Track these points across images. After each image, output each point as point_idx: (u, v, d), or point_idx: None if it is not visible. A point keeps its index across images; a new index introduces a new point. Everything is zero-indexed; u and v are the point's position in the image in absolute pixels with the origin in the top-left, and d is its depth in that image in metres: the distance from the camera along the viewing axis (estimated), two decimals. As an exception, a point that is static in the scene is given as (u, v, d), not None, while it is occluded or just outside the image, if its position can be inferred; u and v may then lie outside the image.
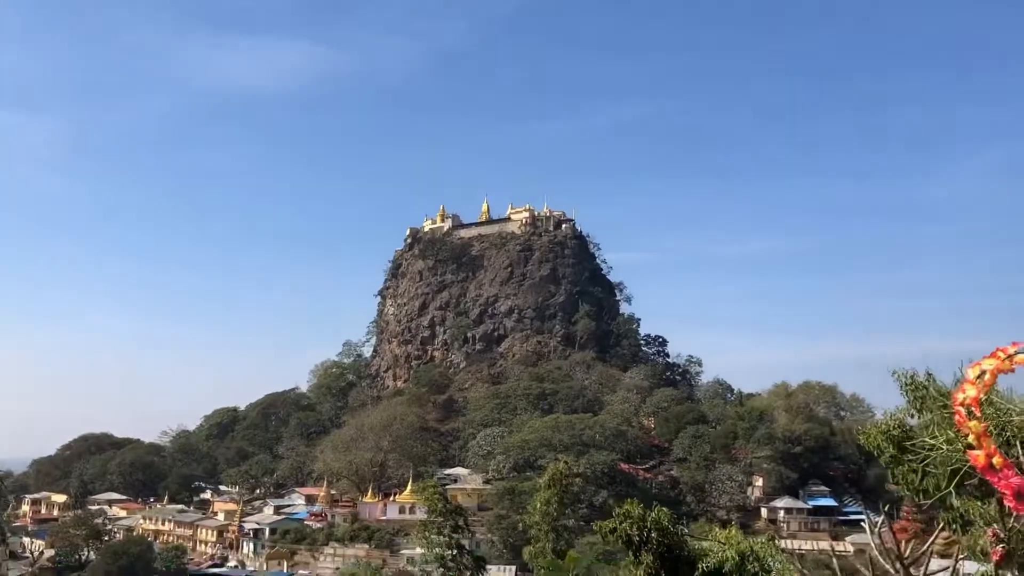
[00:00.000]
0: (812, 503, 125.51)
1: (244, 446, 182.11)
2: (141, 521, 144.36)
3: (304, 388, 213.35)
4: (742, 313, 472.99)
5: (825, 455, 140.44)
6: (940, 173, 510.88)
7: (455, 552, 69.00)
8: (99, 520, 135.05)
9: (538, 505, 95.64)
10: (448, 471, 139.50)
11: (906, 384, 7.68)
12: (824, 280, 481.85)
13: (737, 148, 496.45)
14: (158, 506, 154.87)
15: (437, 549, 69.07)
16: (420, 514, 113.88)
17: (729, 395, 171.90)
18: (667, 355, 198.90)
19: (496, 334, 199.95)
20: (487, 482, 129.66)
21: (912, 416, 7.78)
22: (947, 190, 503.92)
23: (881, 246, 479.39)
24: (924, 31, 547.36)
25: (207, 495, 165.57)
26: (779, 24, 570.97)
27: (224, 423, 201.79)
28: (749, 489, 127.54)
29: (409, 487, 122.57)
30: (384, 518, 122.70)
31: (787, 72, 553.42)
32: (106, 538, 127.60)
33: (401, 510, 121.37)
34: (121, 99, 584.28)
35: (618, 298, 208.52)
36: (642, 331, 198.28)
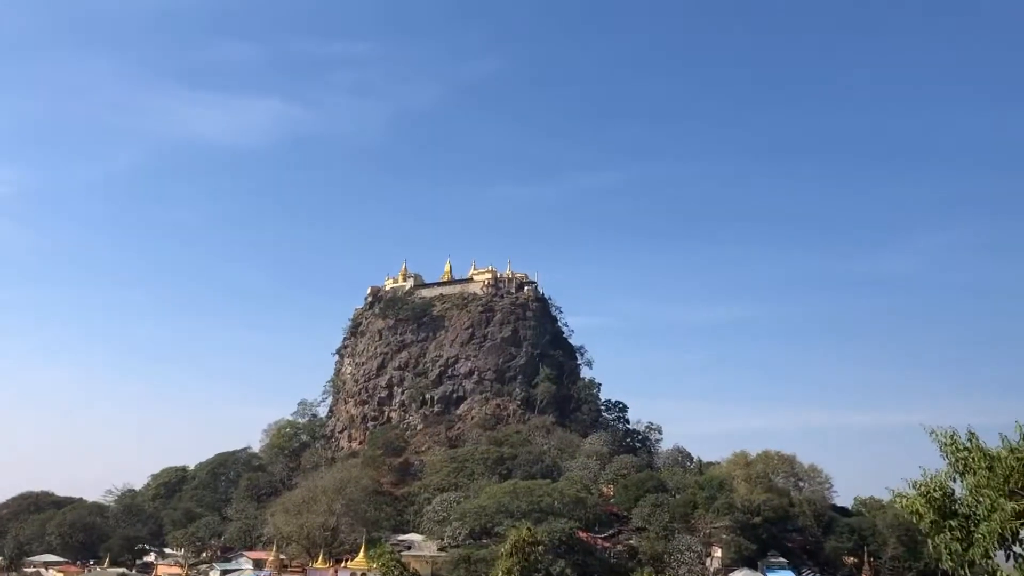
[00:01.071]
0: (770, 575, 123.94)
1: (192, 507, 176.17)
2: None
3: (256, 448, 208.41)
4: (702, 380, 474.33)
5: (784, 526, 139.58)
6: (900, 246, 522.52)
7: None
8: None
9: (499, 574, 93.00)
10: (402, 537, 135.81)
11: (947, 445, 6.96)
12: (783, 348, 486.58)
13: (700, 216, 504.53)
14: (98, 569, 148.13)
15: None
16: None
17: (689, 463, 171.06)
18: (627, 421, 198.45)
19: (455, 396, 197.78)
20: (442, 549, 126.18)
21: (954, 480, 7.07)
22: (907, 264, 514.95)
23: (839, 316, 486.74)
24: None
25: (151, 558, 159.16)
26: (740, 97, 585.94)
27: (172, 482, 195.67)
28: (708, 560, 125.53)
29: (362, 553, 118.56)
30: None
31: (748, 145, 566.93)
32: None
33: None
34: (89, 151, 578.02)
35: (579, 362, 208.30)
36: (602, 396, 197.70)
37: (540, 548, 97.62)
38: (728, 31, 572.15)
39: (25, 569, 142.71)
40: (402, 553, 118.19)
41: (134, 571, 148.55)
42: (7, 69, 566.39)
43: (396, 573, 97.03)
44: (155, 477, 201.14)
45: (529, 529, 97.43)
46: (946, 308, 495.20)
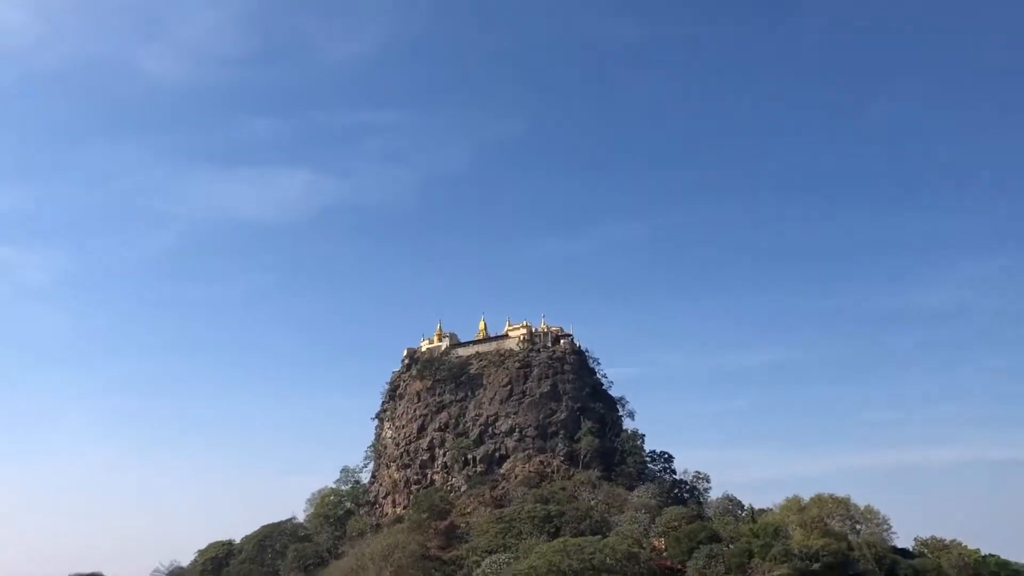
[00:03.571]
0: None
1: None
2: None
3: (301, 517, 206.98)
4: (744, 426, 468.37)
5: (844, 571, 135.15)
6: (935, 279, 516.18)
7: None
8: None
9: None
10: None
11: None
12: (824, 389, 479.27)
13: (735, 261, 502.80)
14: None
15: None
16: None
17: (740, 511, 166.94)
18: (674, 471, 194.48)
19: (497, 454, 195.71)
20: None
21: None
22: (943, 296, 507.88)
23: (878, 354, 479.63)
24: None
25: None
26: (769, 135, 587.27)
27: (219, 557, 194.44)
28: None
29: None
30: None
31: (782, 185, 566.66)
32: None
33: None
34: (123, 235, 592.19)
35: (621, 414, 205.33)
36: (647, 447, 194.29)
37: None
38: (744, 69, 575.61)
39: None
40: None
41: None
42: (42, 156, 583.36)
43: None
44: (202, 552, 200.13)
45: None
46: (989, 338, 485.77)
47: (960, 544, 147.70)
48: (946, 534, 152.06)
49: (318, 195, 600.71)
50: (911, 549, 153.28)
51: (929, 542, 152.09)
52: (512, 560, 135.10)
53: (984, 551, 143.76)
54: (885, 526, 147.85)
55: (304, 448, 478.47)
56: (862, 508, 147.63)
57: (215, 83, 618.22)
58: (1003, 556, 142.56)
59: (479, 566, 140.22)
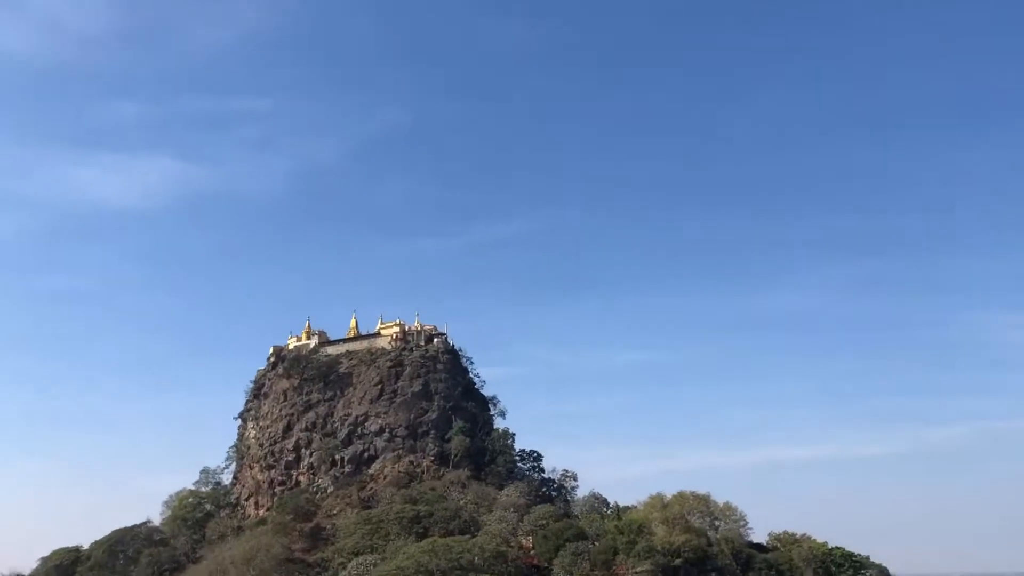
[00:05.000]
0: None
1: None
2: None
3: (157, 521, 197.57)
4: (612, 425, 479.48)
5: (703, 566, 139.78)
6: (789, 284, 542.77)
7: None
8: None
9: None
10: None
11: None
12: (691, 390, 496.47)
13: (605, 264, 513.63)
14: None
15: None
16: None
17: (605, 508, 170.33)
18: (542, 470, 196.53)
19: (366, 455, 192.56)
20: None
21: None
22: (796, 301, 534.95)
23: (735, 357, 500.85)
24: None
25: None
26: (643, 139, 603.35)
27: (64, 564, 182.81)
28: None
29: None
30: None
31: (650, 186, 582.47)
32: None
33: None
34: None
35: (492, 413, 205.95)
36: (517, 446, 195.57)
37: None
38: (631, 70, 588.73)
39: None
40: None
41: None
42: None
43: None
44: (45, 560, 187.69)
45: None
46: (841, 343, 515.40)
47: (810, 538, 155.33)
48: (797, 528, 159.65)
49: (184, 183, 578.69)
50: (766, 543, 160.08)
51: (782, 536, 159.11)
52: (379, 561, 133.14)
53: (831, 544, 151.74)
54: (742, 522, 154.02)
55: (161, 449, 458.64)
56: (721, 505, 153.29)
57: (74, 62, 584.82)
58: (848, 548, 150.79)
59: (345, 568, 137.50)
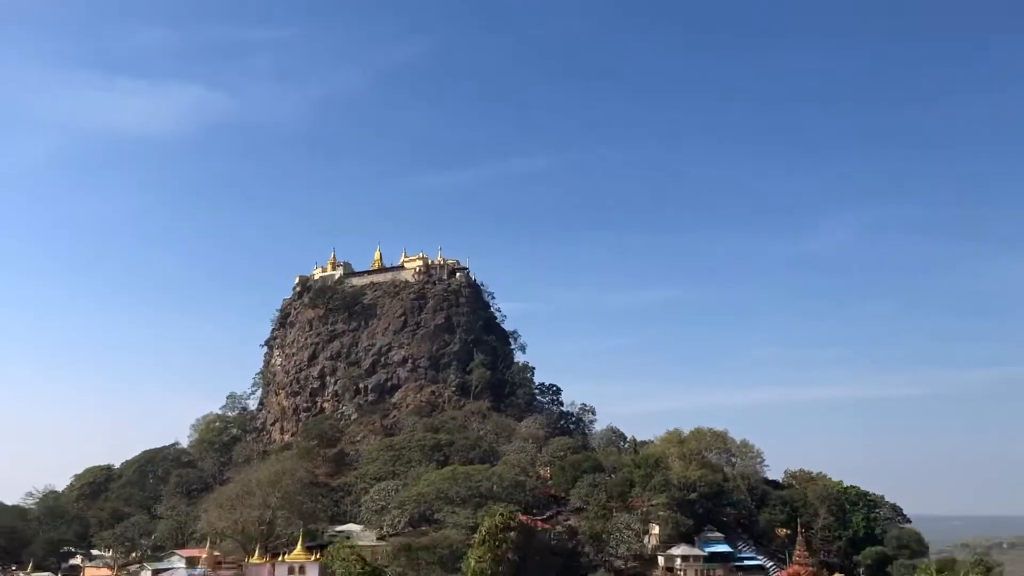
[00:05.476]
0: (707, 549, 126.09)
1: (119, 507, 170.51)
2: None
3: (185, 443, 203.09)
4: (632, 361, 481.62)
5: (718, 501, 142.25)
6: (816, 229, 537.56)
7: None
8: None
9: (472, 563, 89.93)
10: (340, 528, 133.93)
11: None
12: (711, 329, 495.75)
13: (629, 201, 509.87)
14: (21, 574, 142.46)
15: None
16: (311, 574, 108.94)
17: (623, 443, 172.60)
18: (561, 403, 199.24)
19: (389, 384, 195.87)
20: (381, 538, 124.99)
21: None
22: (822, 245, 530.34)
23: (767, 297, 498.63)
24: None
25: (77, 560, 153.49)
26: (672, 86, 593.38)
27: (97, 482, 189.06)
28: (646, 537, 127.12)
29: (299, 545, 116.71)
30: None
31: (679, 132, 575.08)
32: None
33: (291, 570, 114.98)
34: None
35: (512, 347, 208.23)
36: (536, 380, 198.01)
37: (512, 534, 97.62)
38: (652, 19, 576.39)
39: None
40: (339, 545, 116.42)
41: (59, 575, 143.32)
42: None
43: (358, 568, 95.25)
44: (79, 477, 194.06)
45: (502, 513, 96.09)
46: (867, 285, 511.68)
47: (825, 476, 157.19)
48: (814, 467, 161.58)
49: (207, 111, 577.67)
50: (781, 481, 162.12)
51: (798, 474, 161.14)
52: (400, 487, 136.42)
53: (847, 483, 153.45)
54: (759, 459, 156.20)
55: (189, 374, 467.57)
56: (738, 442, 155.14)
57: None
58: (862, 487, 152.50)
59: (367, 493, 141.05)
